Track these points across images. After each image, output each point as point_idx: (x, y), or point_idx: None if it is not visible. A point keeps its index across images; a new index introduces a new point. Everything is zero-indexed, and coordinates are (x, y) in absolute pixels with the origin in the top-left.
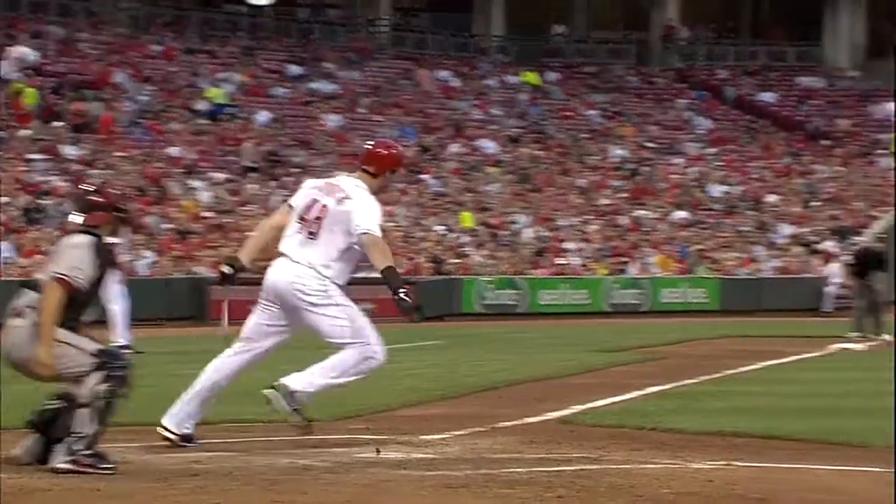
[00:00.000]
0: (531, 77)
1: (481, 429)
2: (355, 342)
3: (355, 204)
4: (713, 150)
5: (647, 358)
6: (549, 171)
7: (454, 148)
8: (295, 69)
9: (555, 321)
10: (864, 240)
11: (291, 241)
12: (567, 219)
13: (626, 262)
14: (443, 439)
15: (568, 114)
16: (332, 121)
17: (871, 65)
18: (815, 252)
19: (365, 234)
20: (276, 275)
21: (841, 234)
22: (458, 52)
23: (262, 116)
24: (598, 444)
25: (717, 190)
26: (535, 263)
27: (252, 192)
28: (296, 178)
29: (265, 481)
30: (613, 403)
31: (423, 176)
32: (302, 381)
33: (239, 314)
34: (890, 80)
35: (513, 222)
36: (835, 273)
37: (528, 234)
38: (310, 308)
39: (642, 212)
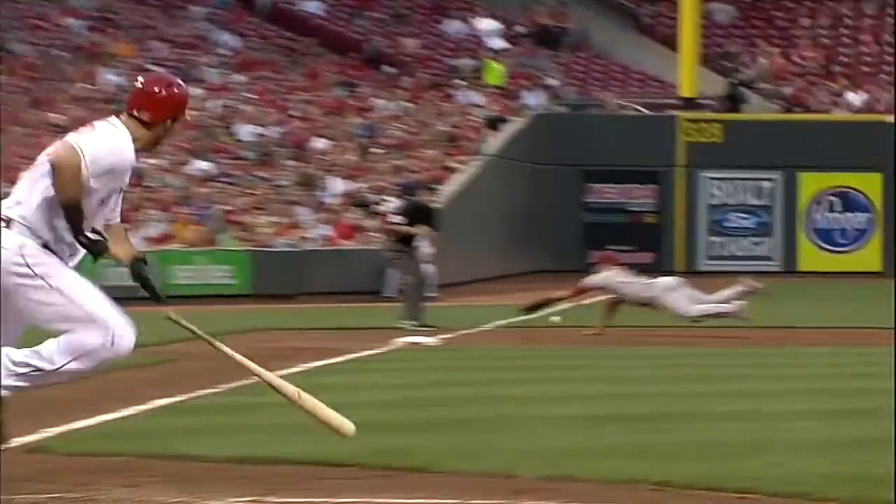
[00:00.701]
0: None
1: None
2: None
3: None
4: (241, 78)
5: (151, 361)
6: (13, 104)
7: None
8: None
9: None
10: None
11: None
12: None
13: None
14: None
15: (39, 23)
16: None
17: None
18: (376, 216)
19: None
20: None
21: (410, 190)
22: None
23: None
24: (82, 480)
25: (246, 132)
26: None
27: None
28: None
29: None
30: (105, 423)
31: None
32: None
33: None
34: None
35: None
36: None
37: None
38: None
39: (145, 161)
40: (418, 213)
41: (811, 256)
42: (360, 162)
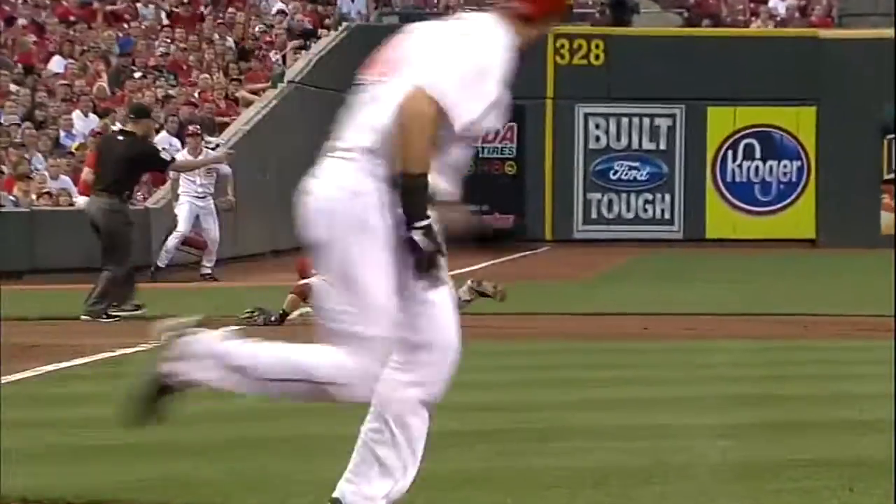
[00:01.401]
0: None
1: None
2: None
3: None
4: None
5: None
6: None
7: None
8: None
9: None
10: None
11: None
12: None
13: None
14: None
15: None
16: None
17: None
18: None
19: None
20: None
21: (141, 112)
22: None
23: None
24: None
25: None
26: None
27: None
28: None
29: None
30: None
31: None
32: None
33: None
34: None
35: None
36: None
37: None
38: None
39: None
40: (142, 158)
41: (723, 219)
42: (113, 90)
